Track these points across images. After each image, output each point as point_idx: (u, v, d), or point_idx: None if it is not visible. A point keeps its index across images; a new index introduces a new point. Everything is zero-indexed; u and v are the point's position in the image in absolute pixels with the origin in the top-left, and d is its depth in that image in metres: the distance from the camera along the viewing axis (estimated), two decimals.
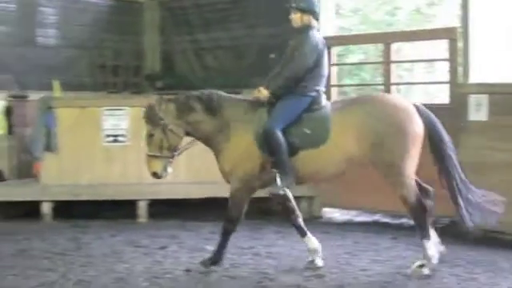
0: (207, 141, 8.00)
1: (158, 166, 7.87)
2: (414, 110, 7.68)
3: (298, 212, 8.18)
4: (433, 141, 7.74)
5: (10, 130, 11.65)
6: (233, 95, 8.24)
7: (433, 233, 7.71)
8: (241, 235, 8.51)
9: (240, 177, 7.78)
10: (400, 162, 7.51)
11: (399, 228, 10.29)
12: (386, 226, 10.58)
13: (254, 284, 7.43)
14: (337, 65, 11.84)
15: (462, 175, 7.75)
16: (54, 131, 10.92)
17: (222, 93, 8.08)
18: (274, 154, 7.60)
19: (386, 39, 11.05)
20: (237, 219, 7.84)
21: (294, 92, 7.75)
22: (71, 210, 11.08)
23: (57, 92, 11.96)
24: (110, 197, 10.90)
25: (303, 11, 7.85)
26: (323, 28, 11.53)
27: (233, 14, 13.02)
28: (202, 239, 9.32)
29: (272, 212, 10.52)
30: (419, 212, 7.59)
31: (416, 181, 7.71)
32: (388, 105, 7.71)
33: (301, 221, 8.15)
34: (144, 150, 8.00)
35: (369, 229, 10.24)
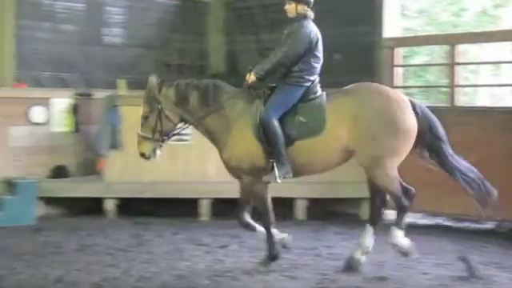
0: (204, 130, 8.09)
1: (147, 147, 8.00)
2: (408, 105, 7.73)
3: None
4: (429, 138, 7.80)
5: (76, 127, 11.80)
6: (231, 86, 8.21)
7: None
8: (302, 236, 8.50)
9: (248, 171, 7.86)
10: (387, 154, 7.59)
11: (461, 231, 10.18)
12: (447, 229, 10.47)
13: (314, 285, 7.41)
14: (401, 66, 11.76)
15: (463, 166, 7.79)
16: (119, 129, 11.05)
17: (221, 83, 8.17)
18: (271, 143, 7.67)
19: (452, 40, 10.94)
20: (266, 213, 7.93)
21: (288, 82, 7.82)
22: (134, 207, 11.19)
23: (122, 90, 12.07)
24: (172, 195, 10.97)
25: (298, 1, 7.92)
26: (389, 29, 11.52)
27: None
28: (262, 239, 9.32)
29: (334, 213, 10.49)
30: (403, 201, 7.70)
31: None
32: (383, 97, 7.74)
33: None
34: (138, 129, 8.07)
35: (431, 232, 10.13)
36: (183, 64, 13.73)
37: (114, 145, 11.09)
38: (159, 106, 7.95)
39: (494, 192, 7.76)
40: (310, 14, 7.98)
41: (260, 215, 7.98)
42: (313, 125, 7.71)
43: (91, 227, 10.29)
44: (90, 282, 7.38)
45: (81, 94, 11.93)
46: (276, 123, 7.67)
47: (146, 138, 7.99)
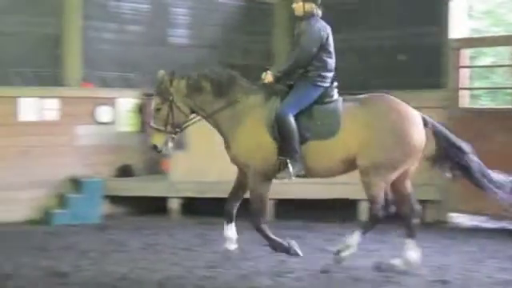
0: (216, 123, 8.13)
1: (159, 139, 8.08)
2: (419, 121, 7.80)
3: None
4: (450, 151, 7.82)
5: (142, 127, 11.93)
6: (246, 80, 8.22)
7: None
8: (367, 237, 8.44)
9: (258, 168, 7.92)
10: (387, 165, 7.65)
11: None
12: None
13: (377, 286, 7.37)
14: (467, 67, 11.62)
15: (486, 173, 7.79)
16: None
17: (236, 75, 8.18)
18: (286, 139, 7.72)
19: None
20: (261, 212, 8.03)
21: (307, 81, 7.90)
22: (198, 207, 11.26)
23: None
24: None
25: (304, 0, 7.94)
26: (455, 30, 11.40)
27: (362, 14, 12.93)
28: (325, 240, 9.32)
29: (399, 215, 10.42)
30: (380, 211, 7.75)
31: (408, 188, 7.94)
32: (395, 111, 7.79)
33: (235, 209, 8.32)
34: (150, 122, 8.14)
35: (495, 236, 10.02)
36: (248, 65, 13.73)
37: (179, 145, 11.13)
38: (171, 98, 8.02)
39: None
40: (318, 11, 8.03)
41: (253, 213, 8.02)
42: (327, 127, 7.79)
43: (155, 226, 10.40)
44: (153, 280, 7.43)
45: (147, 94, 12.05)
46: (292, 120, 7.74)
47: (158, 131, 8.07)
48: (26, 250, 8.91)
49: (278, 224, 10.53)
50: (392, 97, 8.17)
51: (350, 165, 7.88)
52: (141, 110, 12.01)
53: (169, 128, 8.06)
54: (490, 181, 7.77)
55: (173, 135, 8.12)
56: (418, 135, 7.73)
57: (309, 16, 7.99)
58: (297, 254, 8.09)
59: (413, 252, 7.80)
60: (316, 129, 7.80)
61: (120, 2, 12.35)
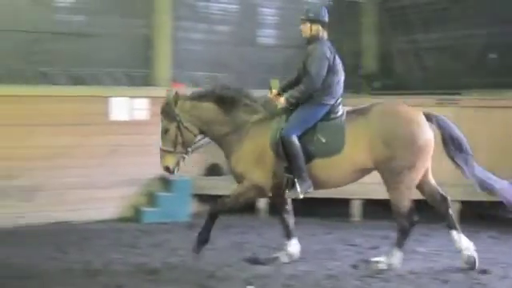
0: (219, 139, 8.20)
1: (171, 161, 8.19)
2: (424, 121, 7.86)
3: (292, 215, 8.42)
4: (450, 147, 7.95)
5: None
6: (253, 96, 8.33)
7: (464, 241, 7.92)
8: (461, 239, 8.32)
9: (253, 181, 8.01)
10: (406, 172, 7.69)
11: None
12: None
13: None
14: None
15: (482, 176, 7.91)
16: None
17: (241, 93, 8.27)
18: (291, 160, 7.79)
19: None
20: (229, 209, 8.23)
21: (311, 101, 7.90)
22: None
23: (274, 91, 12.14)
24: (324, 195, 10.95)
25: (312, 21, 8.08)
26: None
27: (452, 13, 12.75)
28: (413, 241, 9.19)
29: (489, 217, 10.25)
30: (405, 222, 7.81)
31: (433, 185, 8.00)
32: (398, 116, 7.87)
33: (292, 222, 8.40)
34: (158, 144, 8.22)
35: None
36: None
37: None
38: (178, 118, 8.12)
39: None
40: (324, 34, 8.14)
41: (222, 204, 8.17)
42: (332, 145, 7.86)
43: (243, 225, 10.46)
44: (241, 279, 7.49)
45: None
46: (296, 141, 7.80)
47: (168, 152, 8.18)
48: (116, 247, 9.09)
49: (366, 224, 10.51)
50: (391, 102, 8.38)
51: (361, 174, 8.03)
52: None
53: (179, 148, 8.18)
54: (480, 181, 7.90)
55: (184, 155, 8.25)
56: (424, 134, 7.78)
57: (315, 39, 8.07)
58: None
59: (463, 241, 7.87)
60: (321, 147, 7.89)
61: (209, 3, 12.47)
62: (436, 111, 8.18)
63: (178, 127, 8.14)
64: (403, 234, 7.88)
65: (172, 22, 11.95)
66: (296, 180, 7.83)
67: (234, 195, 8.16)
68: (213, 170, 11.87)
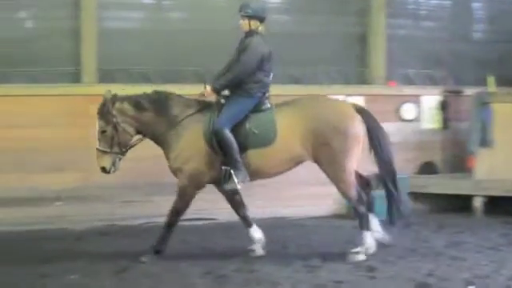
0: (157, 138, 8.41)
1: (106, 161, 8.29)
2: (354, 112, 8.27)
3: (244, 204, 8.67)
4: (372, 142, 8.38)
5: (445, 124, 11.93)
6: (183, 96, 8.54)
7: (375, 223, 8.41)
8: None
9: (188, 174, 8.21)
10: (342, 160, 8.11)
11: None
12: None
13: None
14: None
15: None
16: (489, 126, 10.97)
17: (172, 93, 8.49)
18: (226, 152, 8.06)
19: None
20: (182, 212, 8.31)
21: (240, 94, 8.19)
22: (502, 206, 11.04)
23: (491, 87, 11.96)
24: None
25: (250, 17, 8.29)
26: None
27: None
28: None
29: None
30: (360, 204, 8.25)
31: (356, 172, 8.34)
32: (330, 108, 8.33)
33: (247, 212, 8.65)
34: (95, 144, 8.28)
35: None
36: None
37: (484, 142, 11.04)
38: (114, 120, 8.21)
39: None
40: (262, 29, 8.36)
41: (174, 211, 8.25)
42: (264, 136, 8.14)
43: (459, 224, 10.35)
44: (460, 278, 7.41)
45: (450, 91, 12.02)
46: (228, 133, 8.05)
47: (104, 152, 8.28)
48: (333, 243, 9.25)
49: (488, 221, 10.20)
50: (320, 95, 8.78)
51: (296, 162, 8.33)
52: (444, 106, 11.99)
53: (115, 148, 8.31)
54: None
55: (120, 155, 8.36)
56: (353, 121, 8.20)
57: (252, 33, 8.30)
58: None
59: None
60: (254, 138, 8.15)
61: None
62: None
63: (115, 128, 8.31)
64: (363, 218, 8.24)
65: (386, 20, 12.00)
66: (232, 171, 8.04)
67: (178, 196, 8.33)
68: (427, 168, 11.85)
